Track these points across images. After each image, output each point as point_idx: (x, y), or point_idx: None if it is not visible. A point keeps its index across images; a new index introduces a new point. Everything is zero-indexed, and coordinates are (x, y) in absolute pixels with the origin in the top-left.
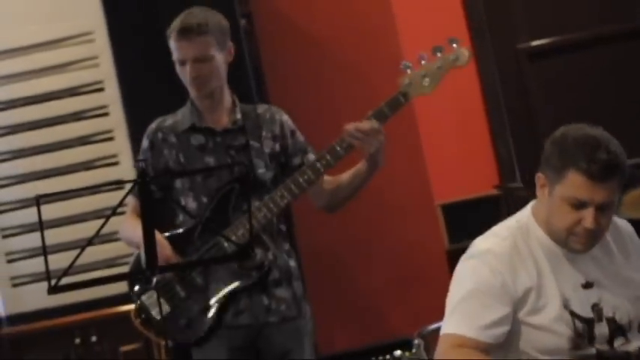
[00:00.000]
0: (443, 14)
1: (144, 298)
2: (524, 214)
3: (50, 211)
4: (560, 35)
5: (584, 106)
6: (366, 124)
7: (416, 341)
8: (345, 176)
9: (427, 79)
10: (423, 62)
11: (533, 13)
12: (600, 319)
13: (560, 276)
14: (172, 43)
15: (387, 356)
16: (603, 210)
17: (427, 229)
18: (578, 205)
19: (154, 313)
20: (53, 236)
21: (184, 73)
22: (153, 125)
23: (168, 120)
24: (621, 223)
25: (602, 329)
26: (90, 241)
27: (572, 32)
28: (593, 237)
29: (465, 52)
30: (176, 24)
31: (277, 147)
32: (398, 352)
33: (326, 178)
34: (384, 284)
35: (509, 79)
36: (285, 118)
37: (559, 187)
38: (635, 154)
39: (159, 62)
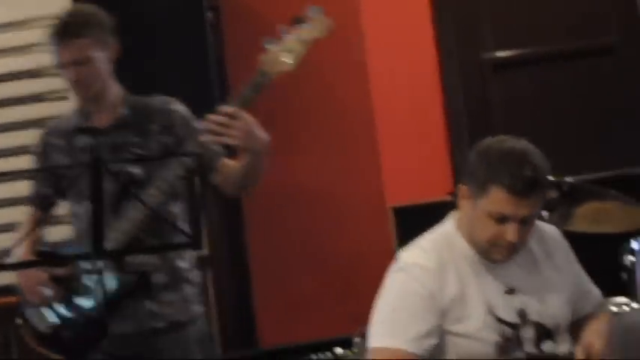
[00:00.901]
0: (410, 20)
1: (29, 311)
2: (447, 226)
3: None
4: (526, 48)
5: (545, 120)
6: (221, 115)
7: (356, 339)
8: (237, 165)
9: (287, 54)
10: (282, 37)
11: (501, 24)
12: (526, 324)
13: (484, 284)
14: (50, 47)
15: (328, 353)
16: (526, 223)
17: (377, 231)
18: (501, 219)
19: (40, 325)
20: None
21: (66, 77)
22: (45, 128)
23: (60, 121)
24: (547, 228)
25: (528, 333)
26: None
27: (537, 45)
28: (514, 249)
29: (324, 21)
30: (53, 27)
31: (169, 139)
32: (339, 350)
33: (227, 162)
34: (331, 283)
35: (471, 88)
36: (179, 107)
37: (483, 202)
38: (593, 170)
39: (123, 45)
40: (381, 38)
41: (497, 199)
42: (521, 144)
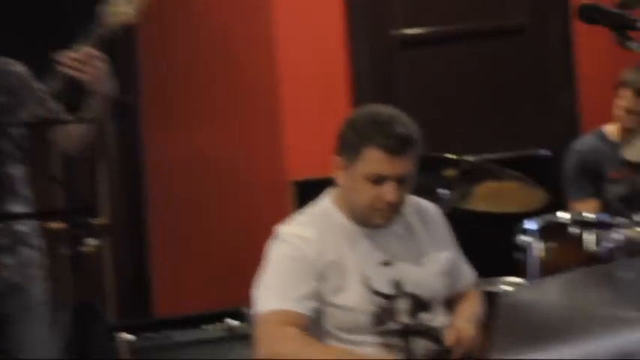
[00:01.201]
0: None
1: None
2: (324, 201)
3: None
4: (435, 26)
5: (450, 99)
6: (80, 52)
7: (245, 310)
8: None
9: (127, 4)
10: None
11: (412, 1)
12: (401, 295)
13: (361, 255)
14: None
15: (220, 324)
16: (402, 182)
17: (277, 204)
18: (379, 180)
19: None
20: None
21: None
22: None
23: None
24: (426, 204)
25: (403, 304)
26: None
27: (446, 24)
28: (394, 210)
29: None
30: None
31: (5, 99)
32: (231, 321)
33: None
34: (229, 254)
35: (378, 64)
36: (18, 68)
37: (358, 166)
38: (495, 150)
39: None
40: (289, 10)
41: (372, 159)
42: (388, 108)
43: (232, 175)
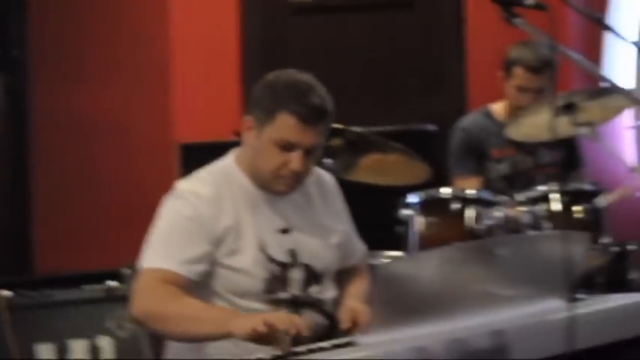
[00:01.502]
0: None
1: None
2: (227, 161)
3: None
4: None
5: (340, 69)
6: None
7: (125, 271)
8: None
9: None
10: None
11: None
12: (295, 265)
13: (259, 220)
14: None
15: (98, 285)
16: (310, 153)
17: (162, 166)
18: (287, 147)
19: None
20: None
21: None
22: None
23: None
24: (325, 175)
25: (297, 274)
26: None
27: None
28: (298, 179)
29: None
30: None
31: None
32: (110, 282)
33: None
34: (111, 214)
35: (270, 30)
36: None
37: (269, 129)
38: (382, 122)
39: None
40: None
41: (284, 125)
42: (308, 77)
43: (120, 134)
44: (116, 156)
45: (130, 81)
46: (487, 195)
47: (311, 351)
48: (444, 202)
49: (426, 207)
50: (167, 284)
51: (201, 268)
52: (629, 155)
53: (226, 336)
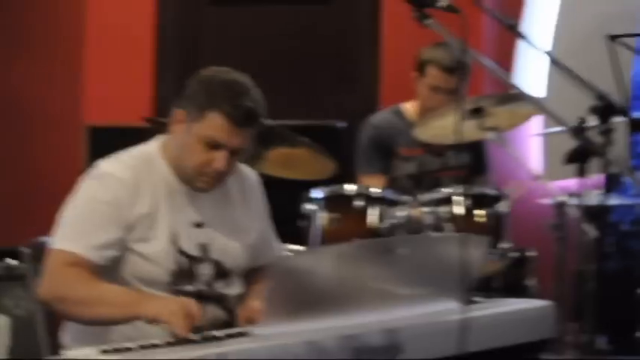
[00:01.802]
0: None
1: None
2: (151, 147)
3: None
4: None
5: (254, 61)
6: None
7: (24, 250)
8: None
9: None
10: None
11: None
12: (205, 259)
13: (175, 212)
14: None
15: None
16: (235, 154)
17: (69, 148)
18: (214, 146)
19: None
20: None
21: None
22: None
23: None
24: (248, 172)
25: (205, 269)
26: None
27: None
28: (220, 178)
29: None
30: None
31: None
32: (9, 260)
33: None
34: (15, 193)
35: (187, 19)
36: None
37: (198, 126)
38: (290, 116)
39: None
40: None
41: (214, 124)
42: (245, 78)
43: (29, 112)
44: (21, 134)
45: (41, 59)
46: (391, 194)
47: (205, 339)
48: (348, 198)
49: (329, 203)
50: (76, 267)
51: (111, 253)
52: (534, 163)
53: (134, 319)
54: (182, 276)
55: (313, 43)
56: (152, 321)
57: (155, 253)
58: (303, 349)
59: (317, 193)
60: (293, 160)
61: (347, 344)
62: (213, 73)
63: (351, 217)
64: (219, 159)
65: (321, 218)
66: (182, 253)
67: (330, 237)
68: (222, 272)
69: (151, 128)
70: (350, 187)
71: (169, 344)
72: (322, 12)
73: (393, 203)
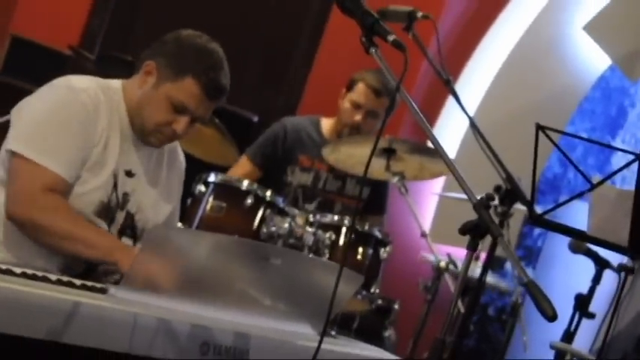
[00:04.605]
0: None
1: None
2: (114, 84)
3: None
4: None
5: (194, 22)
6: None
7: None
8: None
9: None
10: None
11: None
12: (123, 209)
13: (122, 152)
14: None
15: None
16: (194, 122)
17: None
18: (180, 110)
19: None
20: None
21: None
22: None
23: None
24: (180, 153)
25: (119, 218)
26: None
27: None
28: (172, 140)
29: None
30: None
31: None
32: None
33: None
34: None
35: None
36: None
37: (170, 86)
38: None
39: None
40: None
41: (188, 91)
42: (219, 49)
43: None
44: None
45: None
46: (281, 202)
47: (61, 282)
48: (239, 192)
49: (220, 190)
50: (55, 195)
51: (77, 173)
52: (424, 219)
53: (112, 264)
54: (105, 212)
55: (254, 32)
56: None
57: (98, 178)
58: (153, 324)
59: (212, 177)
60: (199, 138)
61: (197, 334)
62: (193, 37)
63: (236, 211)
64: (181, 123)
65: (208, 203)
66: (116, 191)
67: (208, 223)
68: (130, 227)
69: (71, 57)
70: (245, 182)
71: (26, 276)
72: (272, 6)
73: (280, 211)
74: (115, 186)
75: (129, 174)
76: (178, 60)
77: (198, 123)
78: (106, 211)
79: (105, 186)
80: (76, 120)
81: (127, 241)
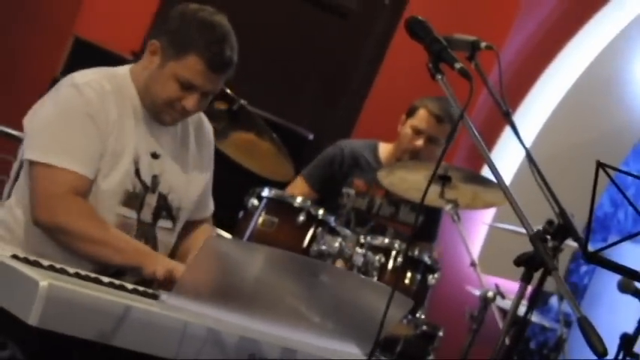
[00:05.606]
0: None
1: None
2: (121, 71)
3: None
4: None
5: (252, 34)
6: None
7: None
8: None
9: None
10: None
11: None
12: (154, 191)
13: (140, 136)
14: None
15: None
16: (205, 97)
17: (51, 52)
18: (188, 86)
19: None
20: None
21: None
22: None
23: None
24: (206, 122)
25: (152, 201)
26: None
27: None
28: (185, 116)
29: None
30: None
31: None
32: None
33: None
34: None
35: None
36: None
37: (175, 64)
38: (262, 106)
39: None
40: None
41: (192, 68)
42: (224, 20)
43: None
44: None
45: None
46: (333, 222)
47: (113, 285)
48: (292, 209)
49: (272, 205)
50: (79, 197)
51: (97, 166)
52: (474, 249)
53: (136, 269)
54: (132, 201)
55: (317, 51)
56: (151, 276)
57: (119, 167)
58: (202, 333)
59: (265, 192)
60: (255, 151)
61: (245, 346)
62: (195, 11)
63: (287, 227)
64: (190, 99)
65: (259, 217)
66: (139, 178)
67: (259, 238)
68: (166, 209)
69: (132, 62)
70: (299, 199)
71: (79, 276)
72: (336, 23)
73: (331, 230)
74: (138, 172)
75: (154, 156)
76: (180, 37)
77: (210, 97)
78: (133, 199)
79: (127, 175)
80: (83, 115)
81: (164, 223)
